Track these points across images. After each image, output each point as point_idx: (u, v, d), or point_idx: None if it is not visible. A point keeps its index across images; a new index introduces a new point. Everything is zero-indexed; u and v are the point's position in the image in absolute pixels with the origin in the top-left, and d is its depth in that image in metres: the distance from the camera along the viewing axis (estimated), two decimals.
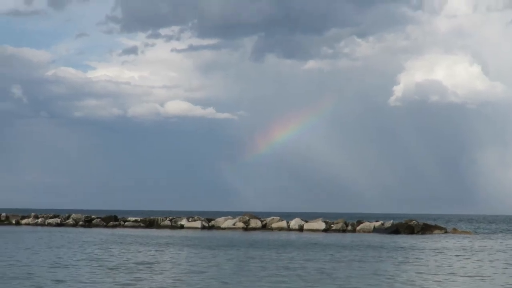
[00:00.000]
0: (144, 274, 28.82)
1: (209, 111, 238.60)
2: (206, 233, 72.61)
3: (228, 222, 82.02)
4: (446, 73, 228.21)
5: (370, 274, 29.71)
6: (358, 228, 77.51)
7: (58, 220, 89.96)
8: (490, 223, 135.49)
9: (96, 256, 38.13)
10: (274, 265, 33.92)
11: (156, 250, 43.80)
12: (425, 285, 26.13)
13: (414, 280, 27.58)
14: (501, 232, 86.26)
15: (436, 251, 46.14)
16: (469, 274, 30.35)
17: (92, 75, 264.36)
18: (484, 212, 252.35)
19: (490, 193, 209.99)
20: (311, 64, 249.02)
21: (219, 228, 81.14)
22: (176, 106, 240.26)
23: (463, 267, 34.18)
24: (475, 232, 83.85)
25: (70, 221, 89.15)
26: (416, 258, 39.15)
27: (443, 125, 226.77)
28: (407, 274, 29.99)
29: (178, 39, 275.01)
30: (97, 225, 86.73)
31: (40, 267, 31.56)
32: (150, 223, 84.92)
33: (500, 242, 59.64)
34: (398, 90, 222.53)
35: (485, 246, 52.85)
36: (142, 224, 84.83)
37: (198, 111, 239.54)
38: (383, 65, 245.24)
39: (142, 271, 30.01)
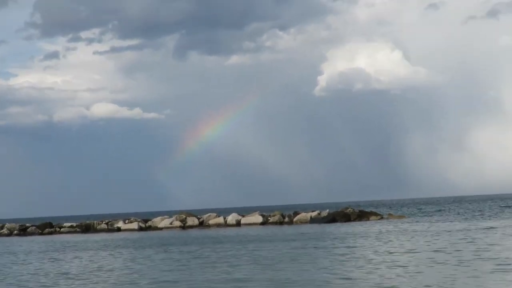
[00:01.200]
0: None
1: (136, 112, 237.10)
2: (143, 234, 71.77)
3: (165, 222, 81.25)
4: (368, 60, 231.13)
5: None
6: (295, 219, 77.52)
7: None
8: (421, 205, 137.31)
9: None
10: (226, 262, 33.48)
11: (90, 256, 42.95)
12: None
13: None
14: (430, 215, 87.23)
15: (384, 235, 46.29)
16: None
17: (14, 82, 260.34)
18: (413, 196, 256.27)
19: (418, 177, 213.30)
20: (234, 59, 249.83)
21: (156, 228, 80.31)
22: (102, 109, 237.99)
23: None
24: (409, 215, 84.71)
25: (5, 230, 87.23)
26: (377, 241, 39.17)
27: (369, 112, 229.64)
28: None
29: (99, 41, 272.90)
30: (32, 233, 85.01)
31: None
32: (87, 228, 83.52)
33: (436, 224, 60.29)
34: (322, 80, 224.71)
35: (422, 228, 53.34)
36: (78, 229, 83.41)
37: (125, 112, 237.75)
38: (306, 56, 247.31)
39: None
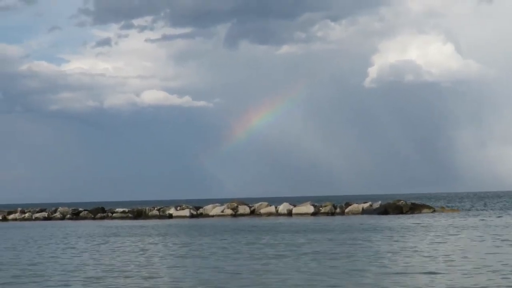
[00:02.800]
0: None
1: (186, 100, 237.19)
2: (195, 221, 71.49)
3: (216, 210, 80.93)
4: (420, 53, 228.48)
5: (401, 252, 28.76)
6: (346, 210, 76.65)
7: (45, 214, 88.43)
8: (470, 199, 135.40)
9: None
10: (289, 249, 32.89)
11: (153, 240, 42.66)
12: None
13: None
14: (483, 209, 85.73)
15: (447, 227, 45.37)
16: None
17: (66, 67, 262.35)
18: (462, 190, 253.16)
19: (466, 171, 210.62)
20: (284, 49, 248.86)
21: (207, 215, 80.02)
22: (152, 96, 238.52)
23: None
24: (461, 209, 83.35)
25: (58, 214, 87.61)
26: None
27: (418, 104, 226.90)
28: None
29: (151, 29, 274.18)
30: (84, 218, 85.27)
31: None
32: (138, 214, 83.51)
33: (491, 219, 59.07)
34: (373, 71, 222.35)
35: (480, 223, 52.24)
36: (130, 215, 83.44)
37: (175, 100, 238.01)
38: (357, 47, 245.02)
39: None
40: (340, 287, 20.19)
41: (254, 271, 24.59)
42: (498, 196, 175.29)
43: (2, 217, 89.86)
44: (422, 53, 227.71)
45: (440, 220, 57.64)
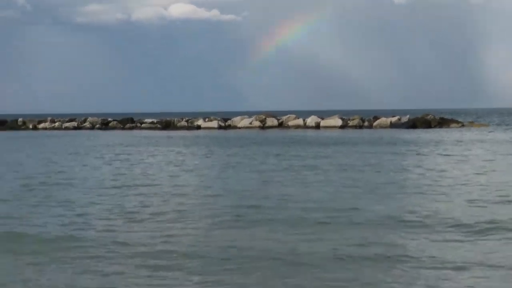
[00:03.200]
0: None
1: (214, 13, 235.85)
2: (223, 132, 71.76)
3: (244, 121, 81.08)
4: None
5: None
6: (375, 124, 76.52)
7: (75, 123, 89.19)
8: (501, 115, 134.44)
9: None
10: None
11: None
12: None
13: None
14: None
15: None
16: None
17: None
18: (493, 106, 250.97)
19: (498, 87, 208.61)
20: None
21: (235, 127, 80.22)
22: (180, 9, 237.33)
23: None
24: (491, 124, 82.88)
25: (87, 124, 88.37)
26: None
27: (449, 20, 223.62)
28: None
29: None
30: (113, 128, 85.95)
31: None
32: (167, 125, 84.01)
33: None
34: None
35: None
36: (158, 126, 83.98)
37: (203, 13, 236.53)
38: None
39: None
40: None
41: (277, 182, 24.74)
42: None
43: (32, 126, 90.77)
44: None
45: (465, 134, 57.51)
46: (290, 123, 79.19)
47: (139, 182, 24.78)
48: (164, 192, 21.64)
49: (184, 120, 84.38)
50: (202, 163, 33.57)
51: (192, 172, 28.86)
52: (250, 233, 14.68)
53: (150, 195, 21.10)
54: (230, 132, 71.56)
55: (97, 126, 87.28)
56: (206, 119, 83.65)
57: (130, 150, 43.98)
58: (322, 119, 79.37)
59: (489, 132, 62.59)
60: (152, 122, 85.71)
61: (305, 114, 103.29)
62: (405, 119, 76.60)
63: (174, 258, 12.45)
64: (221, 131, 76.05)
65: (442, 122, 75.84)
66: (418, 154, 36.50)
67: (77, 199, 20.47)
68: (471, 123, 79.31)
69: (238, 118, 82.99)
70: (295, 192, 21.08)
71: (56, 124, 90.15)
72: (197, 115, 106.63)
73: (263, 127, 78.96)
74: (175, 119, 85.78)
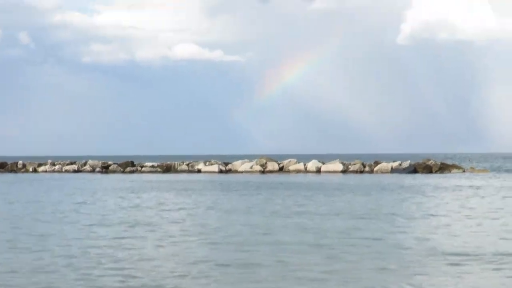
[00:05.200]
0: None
1: (217, 54, 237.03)
2: (224, 176, 71.72)
3: (245, 166, 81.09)
4: (455, 10, 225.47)
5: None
6: (375, 168, 76.48)
7: (75, 166, 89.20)
8: (503, 160, 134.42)
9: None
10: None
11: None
12: None
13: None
14: None
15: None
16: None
17: (98, 19, 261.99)
18: (494, 151, 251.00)
19: (501, 132, 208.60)
20: (318, 3, 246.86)
21: (236, 171, 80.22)
22: (184, 50, 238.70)
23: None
24: (492, 170, 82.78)
25: (87, 167, 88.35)
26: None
27: (452, 63, 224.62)
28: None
29: None
30: (114, 171, 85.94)
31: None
32: (167, 168, 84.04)
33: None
34: (406, 27, 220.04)
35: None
36: (159, 169, 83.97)
37: (207, 54, 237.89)
38: (390, 2, 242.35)
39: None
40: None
41: (270, 228, 24.66)
42: None
43: (33, 169, 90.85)
44: (457, 10, 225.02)
45: (462, 181, 57.42)
46: (291, 167, 79.22)
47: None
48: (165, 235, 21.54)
49: (185, 163, 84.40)
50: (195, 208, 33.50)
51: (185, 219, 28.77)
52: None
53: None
54: (230, 176, 71.48)
55: (98, 169, 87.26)
56: (207, 163, 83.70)
57: (129, 196, 43.87)
58: (323, 163, 79.38)
59: (489, 178, 62.44)
60: (152, 166, 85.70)
61: (307, 157, 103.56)
62: (406, 164, 76.55)
63: None
64: (222, 175, 76.00)
65: (443, 167, 75.84)
66: (418, 202, 36.38)
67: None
68: (472, 169, 79.23)
69: (239, 162, 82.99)
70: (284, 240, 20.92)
71: (56, 167, 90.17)
72: (198, 158, 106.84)
73: (264, 171, 78.96)
74: (176, 162, 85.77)
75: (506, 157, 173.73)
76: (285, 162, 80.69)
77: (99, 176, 77.13)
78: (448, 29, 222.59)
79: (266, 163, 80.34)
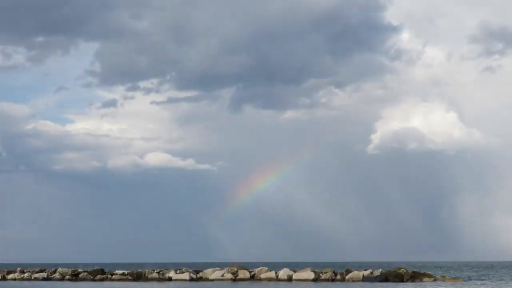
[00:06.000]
0: None
1: (189, 163, 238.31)
2: (195, 284, 71.31)
3: (216, 274, 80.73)
4: (423, 120, 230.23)
5: None
6: (347, 277, 76.35)
7: (44, 274, 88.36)
8: (473, 269, 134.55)
9: None
10: None
11: None
12: None
13: None
14: (485, 279, 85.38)
15: None
16: None
17: (71, 128, 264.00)
18: (465, 259, 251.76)
19: (470, 240, 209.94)
20: (288, 114, 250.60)
21: (207, 279, 79.83)
22: (155, 158, 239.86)
23: None
24: (463, 278, 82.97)
25: (57, 275, 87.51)
26: None
27: (422, 172, 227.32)
28: None
29: (157, 91, 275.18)
30: (84, 279, 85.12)
31: None
32: (138, 276, 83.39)
33: None
34: (376, 138, 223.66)
35: None
36: (129, 277, 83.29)
37: (178, 162, 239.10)
38: (360, 114, 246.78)
39: None
40: None
41: None
42: (503, 266, 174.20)
43: (1, 276, 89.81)
44: (426, 121, 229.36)
45: None
46: (262, 275, 78.91)
47: None
48: None
49: (155, 271, 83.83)
50: None
51: None
52: None
53: None
54: (202, 284, 71.07)
55: (67, 277, 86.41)
56: (178, 271, 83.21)
57: None
58: (295, 271, 79.19)
59: (461, 286, 62.68)
60: (123, 274, 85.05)
61: (278, 265, 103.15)
62: (377, 272, 76.51)
63: None
64: (193, 283, 75.56)
65: (415, 276, 75.85)
66: None
67: None
68: (443, 277, 79.36)
69: (210, 270, 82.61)
70: None
71: (26, 275, 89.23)
72: (169, 266, 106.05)
73: (235, 279, 78.58)
74: (146, 270, 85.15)
75: (478, 266, 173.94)
76: (256, 270, 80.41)
77: (68, 284, 76.31)
78: (417, 139, 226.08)
79: (237, 271, 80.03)
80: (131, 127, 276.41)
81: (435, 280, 75.43)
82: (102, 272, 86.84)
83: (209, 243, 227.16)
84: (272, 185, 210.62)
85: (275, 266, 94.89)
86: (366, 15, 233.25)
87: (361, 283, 71.21)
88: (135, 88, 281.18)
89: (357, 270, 78.88)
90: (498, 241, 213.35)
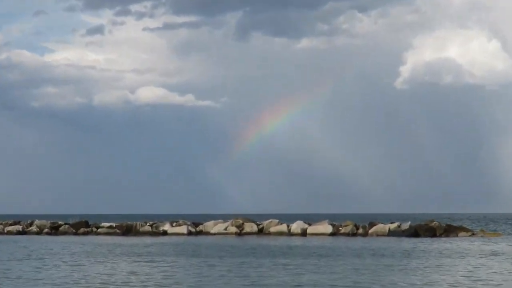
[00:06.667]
0: None
1: (188, 98, 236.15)
2: (193, 239, 70.65)
3: (218, 227, 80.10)
4: (461, 50, 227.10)
5: None
6: (370, 231, 75.67)
7: (19, 227, 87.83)
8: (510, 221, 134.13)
9: None
10: None
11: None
12: None
13: None
14: None
15: None
16: None
17: (51, 58, 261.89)
18: (508, 211, 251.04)
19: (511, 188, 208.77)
20: (304, 42, 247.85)
21: (208, 233, 79.24)
22: (149, 93, 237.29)
23: None
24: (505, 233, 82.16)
25: (34, 228, 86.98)
26: None
27: (458, 110, 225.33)
28: None
29: (151, 16, 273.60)
30: (65, 232, 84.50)
31: None
32: (128, 229, 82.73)
33: None
34: (406, 70, 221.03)
35: None
36: (118, 231, 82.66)
37: (175, 98, 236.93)
38: (388, 42, 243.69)
39: None
40: None
41: None
42: None
43: None
44: (463, 50, 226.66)
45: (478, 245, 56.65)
46: (272, 229, 78.20)
47: None
48: None
49: (147, 224, 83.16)
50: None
51: None
52: None
53: None
54: (201, 239, 70.37)
55: (46, 230, 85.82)
56: (174, 224, 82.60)
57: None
58: (310, 224, 78.60)
59: (503, 242, 61.78)
60: (110, 227, 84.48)
61: (291, 218, 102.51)
62: (405, 226, 75.91)
63: None
64: (191, 237, 74.87)
65: (449, 230, 75.23)
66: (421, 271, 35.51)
67: None
68: (482, 231, 78.65)
69: (211, 222, 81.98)
70: None
71: None
72: (164, 218, 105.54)
73: (240, 233, 77.87)
74: (138, 223, 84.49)
75: None
76: (265, 223, 79.80)
77: (47, 238, 75.70)
78: (454, 71, 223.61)
79: (242, 224, 79.42)
80: (121, 58, 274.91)
81: (472, 234, 74.68)
82: (86, 224, 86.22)
83: (211, 192, 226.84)
84: (284, 126, 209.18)
85: (287, 219, 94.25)
86: None
87: (387, 238, 70.46)
88: (125, 12, 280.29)
89: (382, 223, 78.40)
90: None
